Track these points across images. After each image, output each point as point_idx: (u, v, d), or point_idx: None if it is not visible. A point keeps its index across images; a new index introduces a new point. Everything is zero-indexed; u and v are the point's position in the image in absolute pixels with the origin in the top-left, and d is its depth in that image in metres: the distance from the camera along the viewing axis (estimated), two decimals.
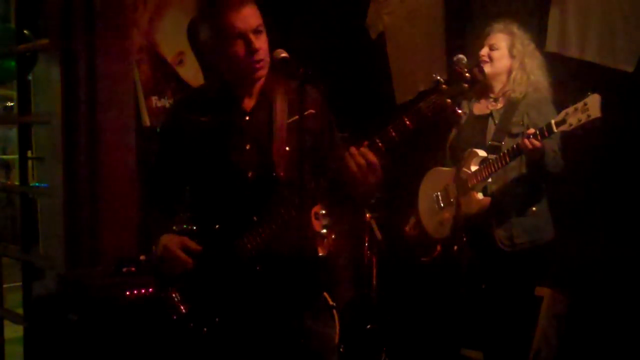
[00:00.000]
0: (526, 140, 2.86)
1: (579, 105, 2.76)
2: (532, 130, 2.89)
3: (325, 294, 3.88)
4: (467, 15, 4.29)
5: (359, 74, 4.90)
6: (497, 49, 3.19)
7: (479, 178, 3.07)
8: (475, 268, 3.07)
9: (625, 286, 3.57)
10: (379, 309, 4.20)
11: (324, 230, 4.15)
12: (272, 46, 2.26)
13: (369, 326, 4.17)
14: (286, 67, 2.12)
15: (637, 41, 3.51)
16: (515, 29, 3.23)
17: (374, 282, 4.22)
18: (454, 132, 3.37)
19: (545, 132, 2.85)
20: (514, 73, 3.18)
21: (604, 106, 2.70)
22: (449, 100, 2.04)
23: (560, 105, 2.98)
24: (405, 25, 4.73)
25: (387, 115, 2.20)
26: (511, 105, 3.16)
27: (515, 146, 2.95)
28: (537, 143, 2.85)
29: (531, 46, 3.23)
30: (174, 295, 2.29)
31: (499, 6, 4.07)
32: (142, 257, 3.24)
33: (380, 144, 2.07)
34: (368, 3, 4.91)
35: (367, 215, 4.16)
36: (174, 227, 2.37)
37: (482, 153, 3.12)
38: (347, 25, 4.97)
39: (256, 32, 2.22)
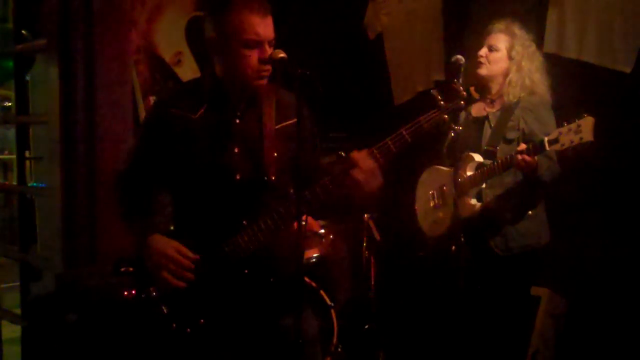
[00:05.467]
0: (518, 156, 2.85)
1: (573, 126, 2.74)
2: (523, 146, 2.87)
3: (322, 293, 3.89)
4: (466, 16, 4.29)
5: (357, 74, 4.90)
6: (495, 50, 3.17)
7: (473, 184, 3.07)
8: (472, 269, 3.07)
9: (623, 286, 3.57)
10: (377, 309, 4.20)
11: (322, 231, 4.15)
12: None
13: (367, 326, 4.17)
14: (284, 67, 2.13)
15: (635, 42, 3.51)
16: (516, 29, 3.19)
17: (372, 283, 4.22)
18: (451, 132, 3.35)
19: (538, 148, 2.83)
20: (510, 76, 3.15)
21: (597, 129, 2.68)
22: (446, 116, 2.19)
23: (558, 108, 2.97)
24: (404, 25, 4.74)
25: (385, 116, 2.23)
26: (506, 109, 3.14)
27: (508, 158, 2.93)
28: (529, 159, 2.83)
29: (532, 48, 3.20)
30: (154, 295, 2.27)
31: (497, 6, 4.06)
32: None
33: (378, 156, 2.15)
34: (366, 3, 4.91)
35: (365, 215, 4.16)
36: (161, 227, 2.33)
37: (478, 158, 3.12)
38: (345, 26, 4.97)
39: (271, 43, 2.23)
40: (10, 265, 4.47)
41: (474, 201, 3.07)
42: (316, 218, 3.87)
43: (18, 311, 3.96)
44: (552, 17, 3.80)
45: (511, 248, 3.08)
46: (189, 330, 2.25)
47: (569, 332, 3.71)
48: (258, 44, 2.19)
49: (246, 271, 2.26)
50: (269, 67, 2.23)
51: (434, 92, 2.22)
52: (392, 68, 4.84)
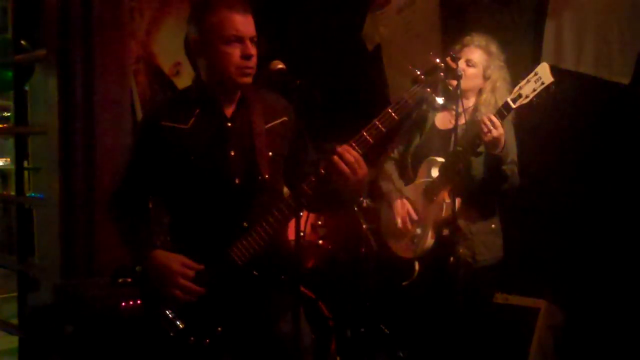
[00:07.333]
0: (485, 119, 2.84)
1: (530, 76, 2.82)
2: (488, 115, 2.87)
3: (321, 304, 3.89)
4: (464, 27, 4.30)
5: (355, 85, 4.90)
6: (472, 66, 3.14)
7: (445, 179, 3.03)
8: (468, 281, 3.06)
9: (620, 297, 3.57)
10: (376, 319, 4.19)
11: (320, 241, 4.14)
12: (270, 57, 2.27)
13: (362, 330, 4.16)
14: (283, 78, 2.13)
15: (633, 53, 3.52)
16: (493, 47, 3.17)
17: (371, 293, 4.21)
18: (416, 140, 3.32)
19: (503, 110, 2.87)
20: (484, 96, 3.15)
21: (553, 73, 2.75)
22: (428, 89, 2.20)
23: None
24: (402, 37, 4.75)
25: None
26: (474, 123, 3.11)
27: (476, 136, 2.91)
28: (495, 120, 2.83)
29: (504, 70, 3.18)
30: (167, 311, 2.25)
31: (495, 18, 4.08)
32: (138, 268, 3.22)
33: (368, 137, 2.19)
34: (365, 14, 4.93)
35: (364, 226, 4.16)
36: (158, 243, 2.32)
37: (440, 159, 3.11)
38: (344, 37, 4.98)
39: (252, 40, 2.23)
40: (8, 275, 4.46)
41: (447, 199, 3.05)
42: (310, 211, 3.84)
43: (15, 322, 3.95)
44: (549, 28, 3.81)
45: (478, 261, 3.09)
46: (208, 341, 2.24)
47: (567, 344, 3.70)
48: (239, 39, 2.20)
49: (255, 273, 2.26)
50: (252, 64, 2.23)
51: (411, 67, 2.23)
52: (390, 79, 4.85)
